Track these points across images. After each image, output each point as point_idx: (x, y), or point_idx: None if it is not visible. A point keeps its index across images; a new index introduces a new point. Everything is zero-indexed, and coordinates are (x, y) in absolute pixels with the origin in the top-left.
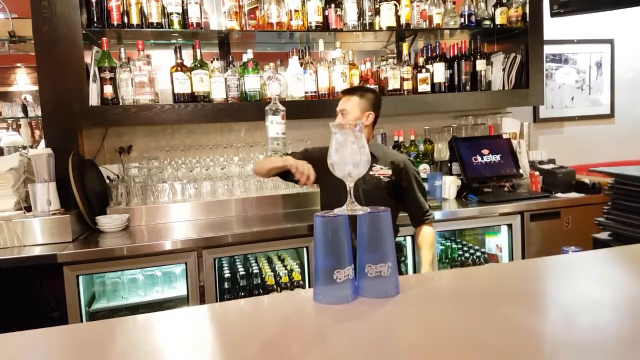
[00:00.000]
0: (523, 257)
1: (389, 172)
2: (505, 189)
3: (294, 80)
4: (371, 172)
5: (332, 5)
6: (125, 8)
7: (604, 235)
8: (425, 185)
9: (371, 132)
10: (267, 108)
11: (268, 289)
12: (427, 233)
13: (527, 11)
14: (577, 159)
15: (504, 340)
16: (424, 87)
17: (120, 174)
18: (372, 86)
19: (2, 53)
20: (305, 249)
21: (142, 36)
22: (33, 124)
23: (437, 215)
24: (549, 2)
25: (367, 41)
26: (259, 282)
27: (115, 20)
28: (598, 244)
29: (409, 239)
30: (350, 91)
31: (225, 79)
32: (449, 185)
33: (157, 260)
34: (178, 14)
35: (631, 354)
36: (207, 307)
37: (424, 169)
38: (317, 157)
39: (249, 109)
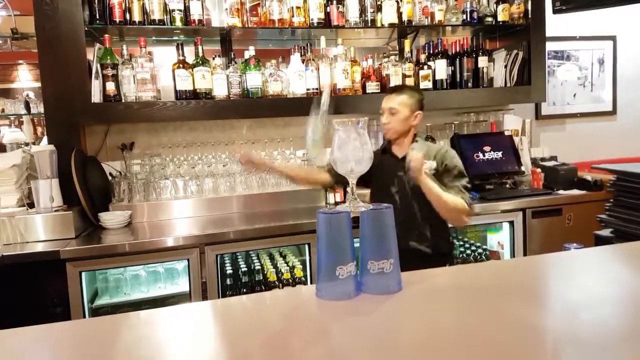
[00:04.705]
0: (525, 254)
1: (434, 164)
2: (507, 185)
3: (295, 77)
4: None
5: (334, 2)
6: (127, 5)
7: (605, 232)
8: None
9: (415, 131)
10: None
11: (270, 285)
12: (455, 197)
13: (529, 8)
14: (579, 156)
15: (506, 336)
16: (426, 84)
17: (122, 170)
18: (375, 83)
19: (5, 50)
20: (307, 246)
21: (144, 33)
22: (35, 120)
23: None
24: None
25: (368, 38)
26: (261, 278)
27: (117, 17)
28: (600, 241)
29: None
30: (398, 89)
31: (227, 75)
32: None
33: (160, 256)
34: (180, 10)
35: (633, 349)
36: (210, 303)
37: None
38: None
39: (250, 106)
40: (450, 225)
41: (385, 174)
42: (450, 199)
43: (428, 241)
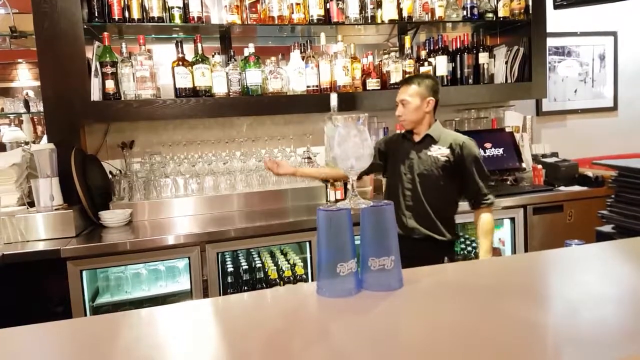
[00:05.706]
0: (526, 251)
1: (447, 151)
2: (508, 182)
3: (295, 75)
4: (429, 153)
5: None
6: (126, 2)
7: (607, 228)
8: None
9: (432, 117)
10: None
11: (271, 283)
12: (483, 220)
13: (530, 3)
14: (580, 152)
15: (506, 334)
16: None
17: (122, 169)
18: (375, 80)
19: (4, 49)
20: (308, 243)
21: (143, 31)
22: (35, 119)
23: None
24: None
25: (369, 34)
26: (262, 276)
27: (116, 15)
28: (601, 237)
29: None
30: (408, 80)
31: (227, 73)
32: None
33: (161, 254)
34: (179, 8)
35: (634, 347)
36: (211, 301)
37: None
38: (385, 148)
39: (250, 104)
40: (455, 216)
41: (399, 155)
42: (490, 233)
43: (432, 226)
